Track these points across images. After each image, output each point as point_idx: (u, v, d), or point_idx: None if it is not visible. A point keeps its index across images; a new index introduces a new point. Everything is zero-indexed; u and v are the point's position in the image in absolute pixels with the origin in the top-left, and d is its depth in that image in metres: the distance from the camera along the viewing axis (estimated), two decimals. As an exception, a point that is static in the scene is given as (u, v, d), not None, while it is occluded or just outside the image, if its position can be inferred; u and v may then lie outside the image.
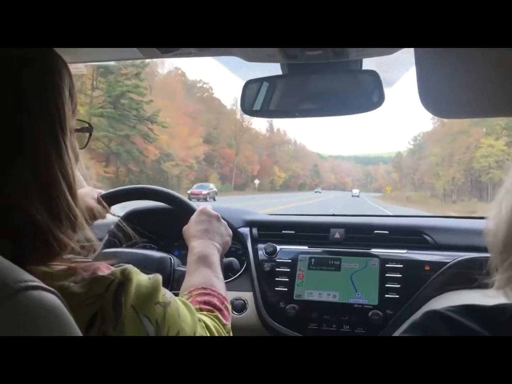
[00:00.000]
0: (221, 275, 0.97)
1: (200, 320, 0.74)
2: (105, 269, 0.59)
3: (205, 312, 0.82)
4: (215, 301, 0.86)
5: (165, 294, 0.65)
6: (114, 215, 1.90)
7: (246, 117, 60.57)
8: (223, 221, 1.13)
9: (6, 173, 0.54)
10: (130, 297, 0.58)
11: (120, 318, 0.57)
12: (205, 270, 0.94)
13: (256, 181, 57.49)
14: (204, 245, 1.01)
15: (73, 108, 0.64)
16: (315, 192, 71.70)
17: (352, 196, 59.71)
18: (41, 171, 0.57)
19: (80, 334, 0.45)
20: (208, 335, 0.75)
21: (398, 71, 1.23)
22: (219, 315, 0.83)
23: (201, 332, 0.71)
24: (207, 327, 0.76)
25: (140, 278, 0.62)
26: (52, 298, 0.43)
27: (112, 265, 0.62)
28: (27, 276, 0.43)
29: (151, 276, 0.65)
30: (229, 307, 0.90)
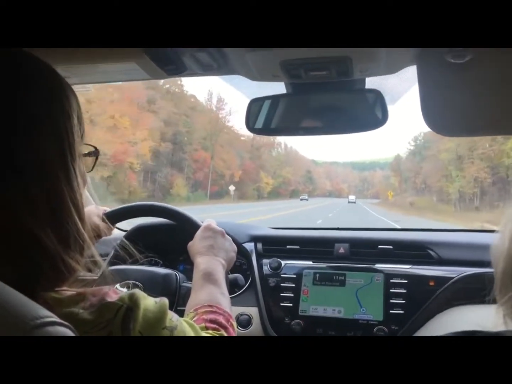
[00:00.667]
0: (226, 292, 0.97)
1: None
2: (113, 294, 0.60)
3: (210, 331, 0.82)
4: (220, 319, 0.86)
5: (172, 318, 0.66)
6: (120, 229, 1.92)
7: (224, 114, 57.18)
8: (228, 236, 1.14)
9: (18, 198, 0.55)
10: (138, 322, 0.59)
11: None
12: (210, 287, 0.95)
13: (231, 188, 48.11)
14: (209, 261, 1.02)
15: (82, 133, 0.65)
16: (301, 199, 63.93)
17: (349, 202, 59.48)
18: (52, 197, 0.58)
19: None
20: None
21: (400, 88, 1.25)
22: (225, 334, 0.83)
23: None
24: None
25: (148, 303, 0.63)
26: (67, 333, 0.45)
27: (118, 284, 0.64)
28: (43, 311, 0.44)
29: (157, 300, 0.65)
30: (234, 324, 0.90)
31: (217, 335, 0.81)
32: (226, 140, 56.89)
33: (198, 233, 1.12)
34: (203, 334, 0.77)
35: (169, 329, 0.64)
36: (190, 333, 0.70)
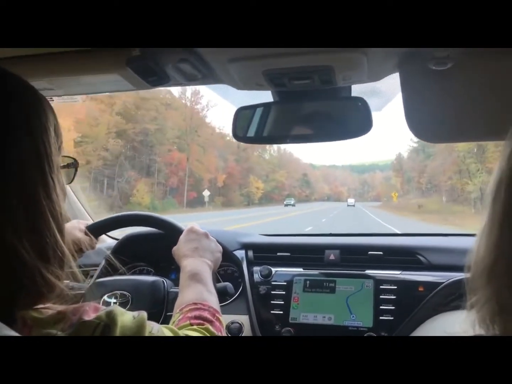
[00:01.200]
0: (213, 290, 0.98)
1: None
2: (92, 312, 0.60)
3: (195, 326, 0.82)
4: (205, 314, 0.87)
5: (152, 330, 0.66)
6: (113, 238, 1.92)
7: (201, 109, 49.38)
8: (212, 238, 1.15)
9: None
10: None
11: None
12: (196, 286, 0.95)
13: (206, 193, 40.96)
14: (195, 262, 1.03)
15: (59, 145, 0.65)
16: (285, 205, 56.15)
17: (348, 205, 56.68)
18: (30, 208, 0.58)
19: None
20: None
21: (387, 96, 1.25)
22: (210, 327, 0.84)
23: None
24: None
25: (125, 319, 0.62)
26: None
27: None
28: (4, 330, 0.44)
29: (135, 314, 0.65)
30: (222, 319, 0.91)
31: (201, 330, 0.81)
32: (205, 140, 49.59)
33: (182, 236, 1.12)
34: (186, 331, 0.77)
35: None
36: None
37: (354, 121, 1.09)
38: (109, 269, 1.46)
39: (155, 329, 0.67)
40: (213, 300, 0.93)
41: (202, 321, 0.84)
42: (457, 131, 0.98)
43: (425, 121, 1.00)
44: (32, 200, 0.58)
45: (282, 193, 76.86)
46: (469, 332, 0.54)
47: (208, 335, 0.81)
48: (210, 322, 0.85)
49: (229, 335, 1.41)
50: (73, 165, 0.73)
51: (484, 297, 0.53)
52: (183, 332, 0.74)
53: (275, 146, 76.10)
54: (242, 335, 1.42)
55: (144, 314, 0.66)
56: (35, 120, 0.61)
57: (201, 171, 45.95)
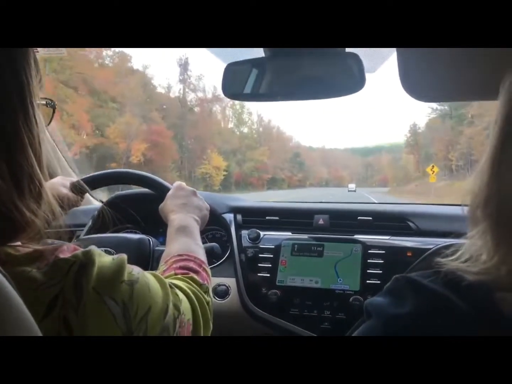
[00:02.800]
0: (200, 243, 0.97)
1: (172, 287, 0.73)
2: (68, 252, 0.58)
3: (179, 276, 0.81)
4: (191, 264, 0.85)
5: (132, 271, 0.64)
6: (97, 200, 1.90)
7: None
8: (200, 196, 1.13)
9: None
10: (92, 279, 0.57)
11: (81, 301, 0.55)
12: (183, 239, 0.94)
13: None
14: (183, 217, 1.02)
15: (39, 78, 0.63)
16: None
17: (349, 191, 49.08)
18: (7, 133, 0.55)
19: (26, 313, 0.44)
20: (184, 299, 0.74)
21: (381, 56, 1.23)
22: (195, 276, 0.82)
23: (174, 300, 0.70)
24: (181, 290, 0.75)
25: (103, 260, 0.61)
26: None
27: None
28: None
29: (115, 256, 0.64)
30: (208, 270, 0.90)
31: (186, 279, 0.80)
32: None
33: (170, 192, 1.11)
34: (170, 280, 0.75)
35: (128, 283, 0.62)
36: (155, 285, 0.68)
37: (347, 77, 1.06)
38: (96, 229, 1.44)
39: (135, 270, 0.65)
40: (200, 252, 0.92)
41: (187, 271, 0.83)
42: (453, 90, 0.96)
43: (420, 80, 0.98)
44: (9, 124, 0.56)
45: (263, 177, 62.64)
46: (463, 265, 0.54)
47: (193, 283, 0.80)
48: (196, 272, 0.84)
49: (217, 299, 1.41)
50: (51, 104, 0.70)
51: (481, 231, 0.54)
52: (168, 281, 0.73)
53: (254, 116, 69.57)
54: (228, 300, 1.42)
55: (124, 256, 0.65)
56: (16, 50, 0.58)
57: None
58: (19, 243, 0.59)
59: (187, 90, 51.49)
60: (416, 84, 0.99)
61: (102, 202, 1.67)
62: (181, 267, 0.83)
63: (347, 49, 1.10)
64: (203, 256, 0.91)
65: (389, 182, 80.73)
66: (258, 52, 1.13)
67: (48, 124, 0.70)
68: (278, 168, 70.33)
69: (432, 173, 28.13)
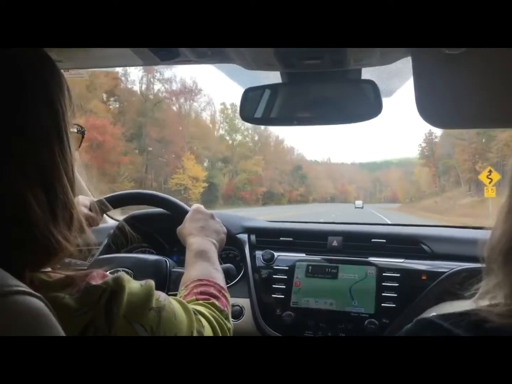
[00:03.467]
0: (219, 268, 0.98)
1: (196, 313, 0.74)
2: (99, 278, 0.59)
3: (201, 301, 0.82)
4: (211, 290, 0.86)
5: (159, 298, 0.66)
6: (114, 219, 1.91)
7: None
8: (217, 219, 1.14)
9: (12, 164, 0.54)
10: (122, 306, 0.59)
11: (113, 328, 0.57)
12: (203, 264, 0.95)
13: None
14: (201, 241, 1.03)
15: (72, 107, 0.65)
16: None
17: (356, 207, 47.66)
18: (45, 163, 0.57)
19: None
20: (206, 326, 0.75)
21: (398, 81, 1.24)
22: (216, 302, 0.83)
23: (198, 327, 0.72)
24: (204, 316, 0.76)
25: (132, 286, 0.62)
26: (37, 304, 0.44)
27: (108, 272, 0.63)
28: (14, 281, 0.43)
29: (143, 282, 0.65)
30: (228, 296, 0.90)
31: (208, 305, 0.81)
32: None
33: (188, 215, 1.12)
34: (193, 305, 0.76)
35: (156, 309, 0.63)
36: (180, 311, 0.70)
37: (363, 104, 1.08)
38: (112, 248, 1.46)
39: (162, 297, 0.67)
40: (219, 277, 0.93)
41: (208, 297, 0.84)
42: (468, 117, 0.97)
43: (436, 106, 0.99)
44: (46, 154, 0.58)
45: (257, 190, 54.33)
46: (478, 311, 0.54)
47: (215, 310, 0.81)
48: (216, 297, 0.85)
49: (236, 336, 1.41)
50: (81, 131, 0.73)
51: (499, 279, 0.54)
52: (191, 307, 0.74)
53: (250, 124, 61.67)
54: (242, 321, 1.42)
55: (151, 282, 0.66)
56: (50, 80, 0.61)
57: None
58: (49, 269, 0.60)
59: (152, 79, 40.94)
60: (432, 110, 1.00)
61: (118, 221, 1.69)
62: (201, 293, 0.85)
63: (364, 76, 1.12)
64: (222, 282, 0.92)
65: (400, 198, 78.13)
66: (274, 77, 1.15)
67: (78, 149, 0.72)
68: (276, 181, 62.47)
69: (490, 183, 16.04)
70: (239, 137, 56.36)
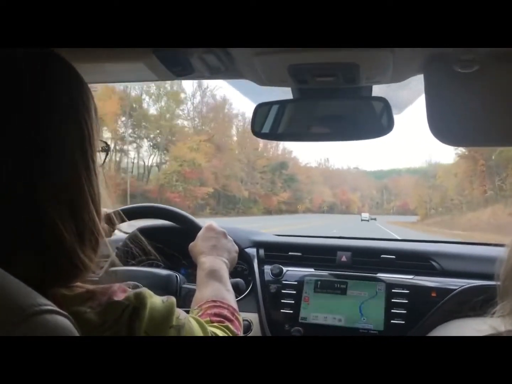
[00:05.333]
0: (231, 288, 0.98)
1: (212, 334, 0.74)
2: (120, 293, 0.60)
3: (216, 324, 0.82)
4: (225, 312, 0.86)
5: (179, 316, 0.66)
6: (122, 231, 1.92)
7: None
8: (230, 237, 1.15)
9: (40, 188, 0.55)
10: (144, 322, 0.59)
11: None
12: (215, 284, 0.95)
13: None
14: (214, 260, 1.03)
15: (98, 127, 0.66)
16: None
17: (362, 220, 43.94)
18: (72, 189, 0.58)
19: None
20: None
21: (408, 98, 1.25)
22: (230, 326, 0.83)
23: None
24: None
25: (155, 301, 0.62)
26: (64, 322, 0.44)
27: (127, 287, 0.63)
28: (42, 300, 0.44)
29: (164, 299, 0.65)
30: (240, 318, 0.91)
31: (223, 328, 0.81)
32: None
33: (201, 233, 1.12)
34: (210, 329, 0.76)
35: (176, 328, 0.64)
36: (198, 330, 0.70)
37: (374, 121, 1.08)
38: (120, 260, 1.46)
39: (182, 315, 0.67)
40: (231, 299, 0.93)
41: (222, 319, 0.84)
42: (481, 135, 0.97)
43: (448, 124, 0.99)
44: (73, 181, 0.58)
45: (194, 191, 36.17)
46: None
47: (229, 333, 0.81)
48: (230, 320, 0.85)
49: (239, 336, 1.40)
50: (105, 148, 0.73)
51: None
52: (208, 328, 0.74)
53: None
54: (250, 335, 1.42)
55: (173, 299, 0.66)
56: (78, 101, 0.61)
57: None
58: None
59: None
60: (443, 128, 1.00)
61: (127, 233, 1.69)
62: (215, 314, 0.85)
63: (375, 93, 1.13)
64: (234, 304, 0.92)
65: (414, 208, 64.99)
66: (285, 93, 1.16)
67: (102, 165, 0.73)
68: (236, 179, 44.51)
69: None
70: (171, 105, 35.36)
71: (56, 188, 0.56)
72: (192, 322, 0.69)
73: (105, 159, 0.73)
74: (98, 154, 0.66)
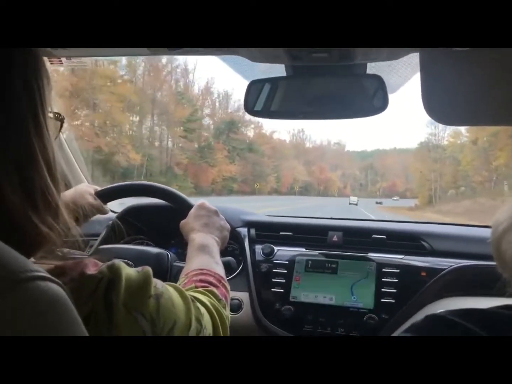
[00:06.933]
0: (220, 262, 0.98)
1: (194, 300, 0.73)
2: (92, 266, 0.58)
3: (200, 289, 0.82)
4: (211, 279, 0.86)
5: (156, 285, 0.64)
6: (112, 211, 1.90)
7: None
8: (222, 216, 1.14)
9: None
10: (121, 294, 0.57)
11: (113, 318, 0.56)
12: (204, 256, 0.95)
13: None
14: (204, 236, 1.03)
15: (50, 90, 0.63)
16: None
17: (350, 203, 41.75)
18: (20, 148, 0.55)
19: (83, 327, 0.45)
20: (205, 313, 0.74)
21: (404, 76, 1.24)
22: (215, 290, 0.83)
23: (196, 314, 0.71)
24: (202, 303, 0.76)
25: (129, 272, 0.60)
26: (59, 291, 0.43)
27: (103, 262, 0.61)
28: (34, 266, 0.42)
29: (140, 269, 0.63)
30: (227, 286, 0.90)
31: (206, 292, 0.81)
32: None
33: (192, 211, 1.12)
34: (191, 293, 0.76)
35: (155, 297, 0.62)
36: (178, 299, 0.68)
37: (368, 99, 1.07)
38: (110, 239, 1.45)
39: (159, 284, 0.65)
40: (219, 269, 0.93)
41: (207, 284, 0.84)
42: (476, 114, 0.97)
43: (442, 103, 0.99)
44: (21, 138, 0.55)
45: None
46: None
47: (213, 297, 0.81)
48: (215, 286, 0.85)
49: (230, 313, 1.41)
50: (60, 118, 0.71)
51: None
52: (188, 293, 0.73)
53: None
54: (240, 314, 1.42)
55: (149, 268, 0.64)
56: (28, 57, 0.58)
57: None
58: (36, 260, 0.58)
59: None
60: (438, 106, 1.00)
61: (117, 212, 1.68)
62: (201, 280, 0.84)
63: (369, 71, 1.12)
64: (222, 273, 0.92)
65: (405, 191, 55.08)
66: (279, 70, 1.15)
67: (56, 138, 0.70)
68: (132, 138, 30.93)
69: None
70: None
71: (4, 152, 0.53)
72: (170, 290, 0.68)
73: (60, 129, 0.71)
74: (50, 118, 0.63)
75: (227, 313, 0.83)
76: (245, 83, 1.17)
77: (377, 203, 40.84)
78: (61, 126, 0.73)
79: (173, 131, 38.41)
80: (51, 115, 0.66)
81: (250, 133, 54.62)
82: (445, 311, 0.56)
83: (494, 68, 0.92)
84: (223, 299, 0.84)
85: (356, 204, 41.76)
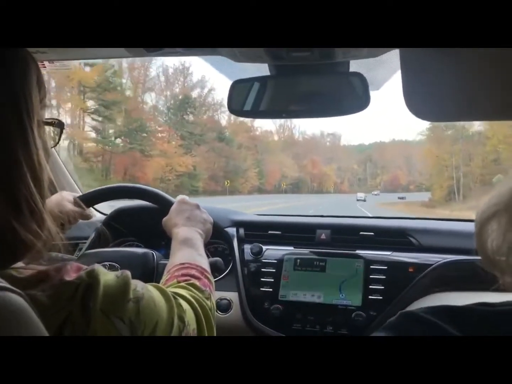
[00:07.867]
0: (204, 254, 0.97)
1: (176, 297, 0.73)
2: (74, 272, 0.58)
3: (182, 283, 0.81)
4: (193, 272, 0.86)
5: (136, 287, 0.64)
6: (101, 213, 1.90)
7: None
8: (203, 209, 1.14)
9: None
10: (98, 300, 0.57)
11: (90, 323, 0.56)
12: (187, 250, 0.95)
13: None
14: (187, 230, 1.03)
15: (41, 97, 0.63)
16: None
17: (357, 199, 39.45)
18: (2, 155, 0.55)
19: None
20: (187, 309, 0.74)
21: (386, 73, 1.24)
22: (196, 282, 0.83)
23: (178, 312, 0.70)
24: (184, 298, 0.75)
25: (108, 278, 0.61)
26: (18, 301, 0.42)
27: (88, 265, 0.61)
28: None
29: (119, 273, 0.63)
30: (211, 278, 0.90)
31: (187, 286, 0.80)
32: None
33: (174, 207, 1.12)
34: (172, 290, 0.76)
35: (134, 300, 0.62)
36: (159, 298, 0.68)
37: (351, 96, 1.07)
38: (99, 242, 1.45)
39: (139, 286, 0.65)
40: (202, 262, 0.92)
41: (189, 277, 0.83)
42: (458, 110, 0.97)
43: (424, 99, 0.99)
44: (4, 145, 0.55)
45: None
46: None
47: (195, 290, 0.80)
48: (197, 278, 0.84)
49: (219, 313, 1.41)
50: (58, 125, 0.70)
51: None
52: (169, 290, 0.73)
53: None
54: (229, 313, 1.42)
55: (127, 272, 0.64)
56: (13, 67, 0.58)
57: None
58: (21, 264, 0.58)
59: None
60: (419, 103, 1.00)
61: (105, 215, 1.67)
62: (183, 275, 0.84)
63: (352, 69, 1.12)
64: (205, 265, 0.91)
65: (407, 184, 48.73)
66: (263, 69, 1.15)
67: (55, 145, 0.70)
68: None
69: None
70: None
71: None
72: (152, 290, 0.68)
73: (59, 136, 0.70)
74: (41, 125, 0.62)
75: (210, 304, 0.82)
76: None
77: (358, 200, 39.13)
78: (61, 133, 0.73)
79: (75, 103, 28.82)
80: (49, 121, 0.66)
81: (223, 119, 46.39)
82: (419, 309, 0.56)
83: (474, 63, 0.92)
84: (207, 289, 0.84)
85: (364, 200, 39.24)
